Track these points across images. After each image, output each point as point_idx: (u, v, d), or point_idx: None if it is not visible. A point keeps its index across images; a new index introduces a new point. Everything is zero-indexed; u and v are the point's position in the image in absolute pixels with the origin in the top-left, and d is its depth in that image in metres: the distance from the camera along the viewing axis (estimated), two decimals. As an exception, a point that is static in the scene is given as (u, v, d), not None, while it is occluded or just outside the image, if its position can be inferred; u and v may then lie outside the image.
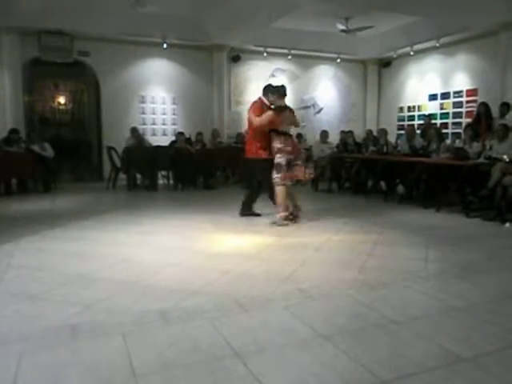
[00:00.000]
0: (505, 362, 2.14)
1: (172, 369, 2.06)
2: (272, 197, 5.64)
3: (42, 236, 4.79)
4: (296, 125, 5.90)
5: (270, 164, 5.45)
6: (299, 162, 5.57)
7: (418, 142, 7.98)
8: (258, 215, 5.86)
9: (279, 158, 5.39)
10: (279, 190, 5.41)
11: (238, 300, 2.91)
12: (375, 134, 9.68)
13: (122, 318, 2.64)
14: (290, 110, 5.71)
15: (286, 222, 5.39)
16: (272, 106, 5.50)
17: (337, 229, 5.20)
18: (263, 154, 5.54)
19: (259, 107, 5.61)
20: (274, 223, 5.39)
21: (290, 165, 5.44)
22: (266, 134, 5.51)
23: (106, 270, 3.59)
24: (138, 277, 3.40)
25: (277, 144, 5.41)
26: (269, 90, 5.66)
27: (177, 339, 2.36)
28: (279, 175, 5.37)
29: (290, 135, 5.63)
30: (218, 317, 2.65)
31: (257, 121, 5.48)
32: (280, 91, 5.59)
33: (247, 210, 5.91)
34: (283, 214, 5.43)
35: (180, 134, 9.70)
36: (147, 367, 2.07)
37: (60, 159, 9.45)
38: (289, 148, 5.42)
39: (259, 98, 5.74)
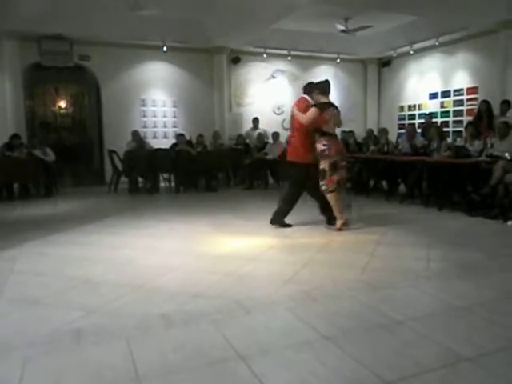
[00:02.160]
0: (507, 362, 2.15)
1: (176, 372, 2.07)
2: (324, 209, 5.32)
3: (45, 240, 4.81)
4: (339, 125, 5.44)
5: (312, 170, 5.14)
6: (344, 163, 5.22)
7: (419, 140, 7.98)
8: (289, 226, 5.33)
9: (322, 164, 5.06)
10: (330, 198, 5.10)
11: (241, 302, 2.91)
12: (376, 133, 9.67)
13: (126, 321, 2.65)
14: (335, 107, 5.22)
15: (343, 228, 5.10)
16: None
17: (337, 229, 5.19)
18: (309, 159, 5.14)
19: (304, 105, 5.19)
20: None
21: (335, 168, 5.06)
22: (311, 134, 5.14)
23: (109, 274, 3.60)
24: (141, 280, 3.41)
25: (320, 146, 5.04)
26: (311, 86, 5.32)
27: (180, 342, 2.37)
28: (324, 182, 5.06)
29: (335, 135, 5.23)
30: (221, 319, 2.65)
31: (304, 118, 5.03)
32: (323, 87, 5.24)
33: (281, 219, 5.34)
34: (340, 221, 5.11)
35: (181, 135, 9.71)
36: (151, 371, 2.08)
37: (61, 163, 9.47)
38: (331, 151, 5.02)
39: (302, 97, 5.37)
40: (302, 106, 5.19)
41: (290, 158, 5.36)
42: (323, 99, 5.14)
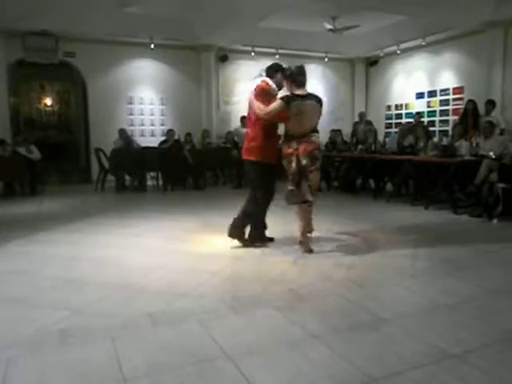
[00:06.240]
0: (492, 358, 2.17)
1: (162, 372, 2.05)
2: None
3: (30, 240, 4.74)
4: (312, 124, 4.06)
5: (265, 169, 4.15)
6: (314, 167, 4.05)
7: (410, 139, 8.01)
8: (270, 240, 4.45)
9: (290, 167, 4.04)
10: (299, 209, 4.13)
11: (228, 301, 2.91)
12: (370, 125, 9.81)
13: (111, 321, 2.62)
14: (316, 99, 4.09)
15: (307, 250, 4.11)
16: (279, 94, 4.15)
17: (326, 228, 5.18)
18: (258, 156, 4.11)
19: (265, 91, 4.09)
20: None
21: (303, 173, 3.96)
22: (271, 129, 4.10)
23: (95, 274, 3.56)
24: (127, 280, 3.38)
25: (287, 149, 4.03)
26: (278, 70, 4.18)
27: (167, 342, 2.35)
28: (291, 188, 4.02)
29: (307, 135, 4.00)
30: (208, 319, 2.64)
31: (263, 111, 3.96)
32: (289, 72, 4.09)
33: (241, 230, 4.29)
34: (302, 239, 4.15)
35: (170, 130, 9.70)
36: (137, 371, 2.06)
37: (47, 161, 9.35)
38: (296, 152, 3.95)
39: (264, 81, 4.16)
40: (260, 93, 4.08)
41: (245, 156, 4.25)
42: (298, 91, 4.04)
